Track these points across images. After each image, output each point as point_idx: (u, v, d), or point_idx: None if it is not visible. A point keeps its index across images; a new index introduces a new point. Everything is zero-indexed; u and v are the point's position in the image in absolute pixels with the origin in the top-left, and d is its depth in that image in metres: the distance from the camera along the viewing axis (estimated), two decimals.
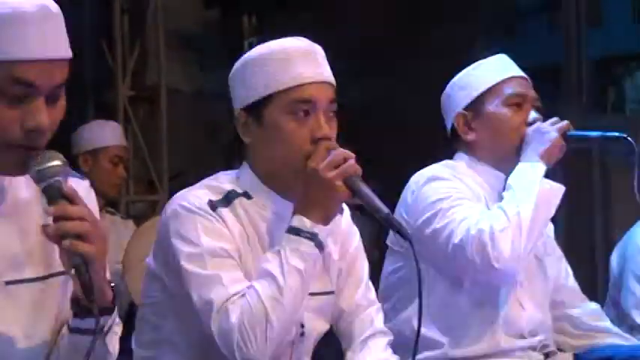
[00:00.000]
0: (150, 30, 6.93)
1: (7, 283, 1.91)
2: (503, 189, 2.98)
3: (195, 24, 8.83)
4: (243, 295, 2.34)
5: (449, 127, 3.12)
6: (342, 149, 2.41)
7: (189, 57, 8.68)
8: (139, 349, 2.53)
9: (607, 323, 3.23)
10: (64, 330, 1.95)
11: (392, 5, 8.22)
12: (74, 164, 2.17)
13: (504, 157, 3.03)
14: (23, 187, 1.97)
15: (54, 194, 1.82)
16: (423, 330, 2.72)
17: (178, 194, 2.50)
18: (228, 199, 2.47)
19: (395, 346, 2.65)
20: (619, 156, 5.90)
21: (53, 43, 1.85)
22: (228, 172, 2.58)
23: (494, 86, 3.05)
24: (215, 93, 9.07)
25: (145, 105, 7.05)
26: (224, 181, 2.53)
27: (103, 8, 6.65)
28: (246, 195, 2.50)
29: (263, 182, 2.52)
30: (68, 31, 1.88)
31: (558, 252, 3.26)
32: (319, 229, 2.37)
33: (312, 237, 2.36)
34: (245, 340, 2.31)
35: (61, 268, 1.93)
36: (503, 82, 3.05)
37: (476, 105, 3.05)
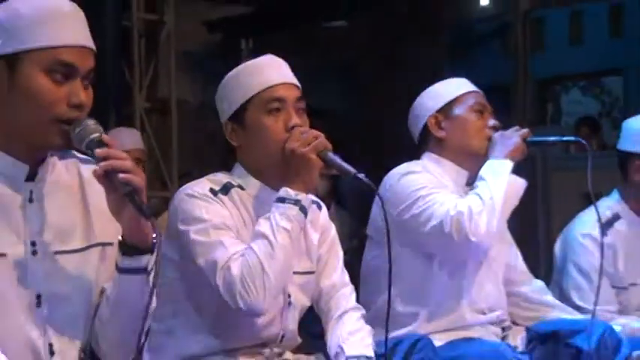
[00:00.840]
0: (162, 52, 6.94)
1: (55, 252, 1.92)
2: (465, 183, 3.00)
3: (200, 46, 8.83)
4: (242, 254, 2.37)
5: (420, 128, 3.10)
6: (313, 130, 2.48)
7: (195, 74, 8.66)
8: (154, 322, 2.54)
9: (551, 298, 3.23)
10: (108, 285, 1.96)
11: (370, 33, 8.26)
12: None
13: (467, 155, 3.02)
14: (64, 172, 1.99)
15: (97, 144, 1.83)
16: (399, 308, 2.73)
17: (184, 186, 2.54)
18: (226, 188, 2.51)
19: (376, 324, 2.64)
20: (557, 161, 5.97)
21: (85, 34, 1.91)
22: (223, 171, 2.60)
23: (460, 96, 3.06)
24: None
25: (158, 115, 7.04)
26: (221, 176, 2.56)
27: (122, 34, 6.66)
28: (240, 187, 2.53)
29: (253, 176, 2.55)
30: (97, 55, 1.96)
31: (509, 239, 3.24)
32: (302, 197, 2.41)
33: (296, 202, 2.40)
34: (246, 289, 2.33)
35: (97, 241, 1.97)
36: (468, 93, 3.07)
37: (446, 109, 3.04)
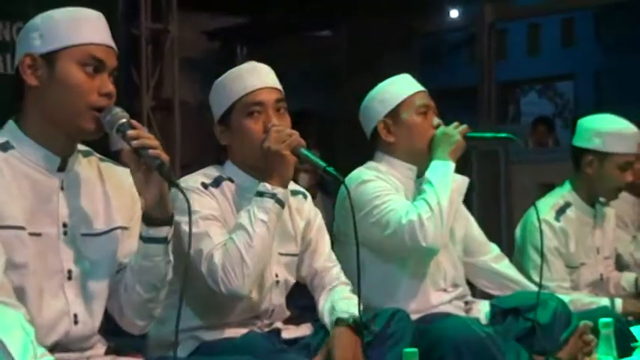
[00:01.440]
0: (166, 58, 6.90)
1: (82, 234, 1.95)
2: (415, 177, 2.96)
3: (200, 53, 8.78)
4: (225, 244, 2.37)
5: (371, 130, 3.02)
6: (287, 129, 2.47)
7: (196, 77, 8.62)
8: None
9: (510, 269, 3.21)
10: (127, 259, 1.99)
11: (352, 42, 8.27)
12: (115, 158, 2.21)
13: (415, 155, 2.95)
14: (87, 166, 2.02)
15: (128, 127, 1.89)
16: (368, 299, 2.61)
17: (180, 180, 2.51)
18: (217, 181, 2.51)
19: None
20: (517, 155, 6.00)
21: (110, 37, 1.97)
22: (216, 165, 2.60)
23: (407, 98, 2.94)
24: None
25: (163, 113, 7.00)
26: (213, 170, 2.56)
27: (132, 41, 6.66)
28: (230, 179, 2.54)
29: (241, 170, 2.55)
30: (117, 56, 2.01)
31: (465, 214, 3.17)
32: (278, 191, 2.40)
33: (273, 196, 2.39)
34: (227, 276, 2.33)
35: (117, 225, 2.01)
36: (413, 95, 2.95)
37: (394, 114, 2.95)
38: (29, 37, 1.91)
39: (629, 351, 2.71)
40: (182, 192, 1.88)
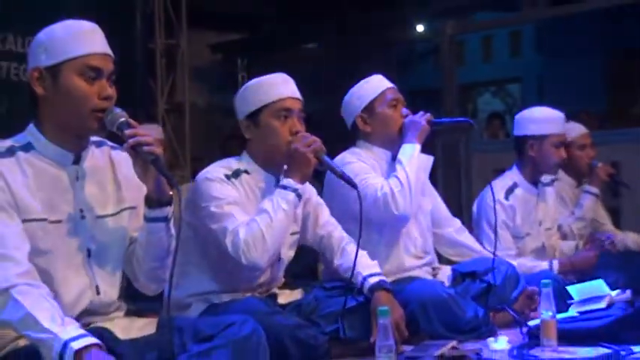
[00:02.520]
0: (178, 67, 6.87)
1: (97, 217, 1.92)
2: (391, 159, 2.92)
3: (206, 63, 8.78)
4: (248, 223, 2.36)
5: (351, 122, 3.00)
6: (313, 136, 2.47)
7: (203, 84, 8.63)
8: None
9: (469, 239, 3.20)
10: (137, 234, 1.96)
11: (336, 52, 8.26)
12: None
13: (389, 141, 2.93)
14: (99, 156, 1.98)
15: (126, 126, 1.84)
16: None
17: (204, 170, 2.51)
18: (236, 173, 2.49)
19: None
20: (476, 144, 6.00)
21: (105, 44, 1.91)
22: (233, 157, 2.57)
23: (380, 94, 2.93)
24: (218, 107, 9.06)
25: (175, 114, 6.97)
26: (233, 163, 2.53)
27: (148, 54, 6.61)
28: (246, 171, 2.51)
29: (257, 164, 2.53)
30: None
31: (432, 192, 3.17)
32: (299, 187, 2.41)
33: (294, 190, 2.40)
34: (249, 249, 2.33)
35: (126, 205, 1.98)
36: (385, 91, 2.94)
37: (369, 108, 2.94)
38: (36, 52, 1.87)
39: (565, 307, 2.72)
40: (171, 184, 1.83)
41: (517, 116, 3.61)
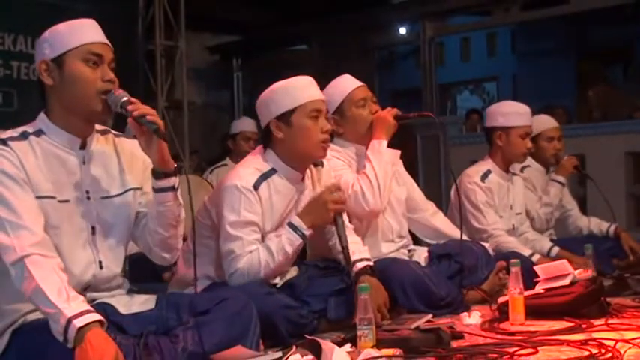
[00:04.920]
0: (177, 67, 6.87)
1: (102, 198, 1.95)
2: (363, 154, 2.86)
3: (203, 64, 8.75)
4: (250, 253, 2.36)
5: None
6: (343, 196, 2.45)
7: (200, 83, 8.61)
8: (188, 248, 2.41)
9: (443, 223, 3.18)
10: (146, 208, 1.98)
11: (322, 54, 8.27)
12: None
13: (362, 137, 2.87)
14: (104, 142, 2.00)
15: (127, 103, 1.86)
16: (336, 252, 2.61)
17: (235, 174, 2.45)
18: (265, 176, 2.45)
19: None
20: (454, 139, 6.04)
21: (103, 36, 1.94)
22: (258, 157, 2.50)
23: (348, 95, 2.87)
24: (214, 105, 9.07)
25: (174, 111, 6.95)
26: (263, 164, 2.47)
27: (149, 55, 6.61)
28: (274, 170, 2.47)
29: (284, 162, 2.48)
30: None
31: (408, 179, 3.13)
32: (307, 232, 2.40)
33: (302, 235, 2.39)
34: (240, 277, 2.35)
35: (130, 187, 1.99)
36: (353, 91, 2.88)
37: (340, 110, 2.88)
38: (42, 48, 1.91)
39: (532, 284, 2.76)
40: (174, 144, 1.88)
41: (487, 109, 3.67)
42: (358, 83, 2.92)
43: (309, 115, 2.44)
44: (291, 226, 2.38)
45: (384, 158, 2.80)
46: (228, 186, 2.41)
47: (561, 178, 3.83)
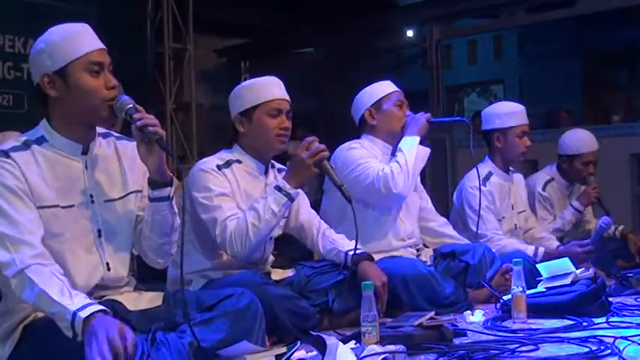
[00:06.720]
0: (185, 69, 6.90)
1: (105, 201, 1.96)
2: (391, 153, 3.00)
3: (211, 67, 8.79)
4: (237, 217, 2.41)
5: (359, 117, 3.07)
6: (319, 145, 2.46)
7: (208, 85, 8.65)
8: (177, 247, 2.42)
9: (451, 231, 3.26)
10: (144, 211, 1.98)
11: (329, 57, 8.29)
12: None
13: (392, 136, 3.01)
14: (106, 146, 2.01)
15: (134, 110, 1.87)
16: (350, 239, 2.65)
17: (199, 162, 2.58)
18: (228, 163, 2.54)
19: None
20: (460, 141, 6.05)
21: (98, 40, 1.95)
22: (225, 150, 2.62)
23: (387, 94, 3.04)
24: (222, 107, 9.10)
25: (182, 113, 6.98)
26: (225, 154, 2.59)
27: (158, 58, 6.64)
28: (238, 161, 2.56)
29: (248, 154, 2.59)
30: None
31: (420, 188, 3.26)
32: (292, 191, 2.44)
33: (287, 194, 2.43)
34: (233, 243, 2.40)
35: (131, 189, 2.00)
36: (392, 93, 3.05)
37: (377, 104, 3.02)
38: (40, 60, 1.90)
39: (535, 283, 2.77)
40: (173, 157, 1.92)
41: (483, 112, 3.67)
42: (397, 88, 3.08)
43: (269, 112, 2.53)
44: (277, 187, 2.44)
45: (416, 151, 2.90)
46: (193, 172, 2.51)
47: (581, 207, 3.84)
